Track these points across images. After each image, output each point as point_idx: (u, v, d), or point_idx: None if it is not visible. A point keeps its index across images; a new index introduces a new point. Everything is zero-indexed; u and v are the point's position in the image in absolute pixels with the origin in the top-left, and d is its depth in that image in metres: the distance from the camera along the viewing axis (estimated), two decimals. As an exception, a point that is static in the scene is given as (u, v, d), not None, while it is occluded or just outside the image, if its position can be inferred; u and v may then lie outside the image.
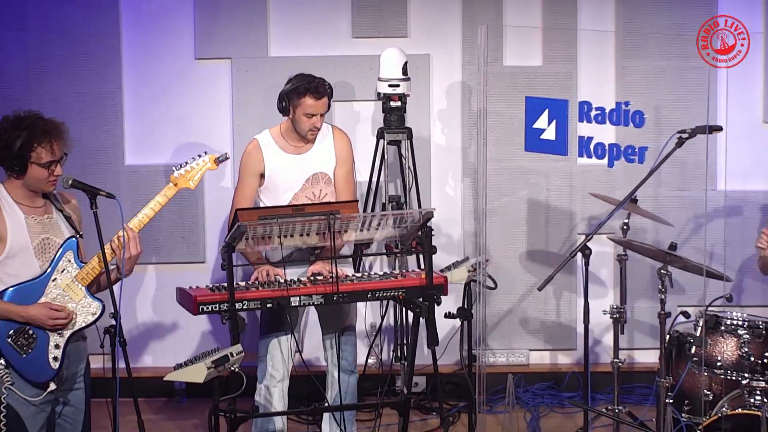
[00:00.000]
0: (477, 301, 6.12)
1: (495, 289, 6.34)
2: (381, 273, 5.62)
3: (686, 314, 5.58)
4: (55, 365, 4.60)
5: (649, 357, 6.90)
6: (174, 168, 4.92)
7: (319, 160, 5.85)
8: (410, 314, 6.20)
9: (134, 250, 4.70)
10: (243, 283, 5.40)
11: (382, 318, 6.78)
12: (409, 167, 6.63)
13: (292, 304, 5.34)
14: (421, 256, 5.98)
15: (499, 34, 6.85)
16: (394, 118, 6.53)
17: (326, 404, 5.81)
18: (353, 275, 5.59)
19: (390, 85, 6.45)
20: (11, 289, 4.57)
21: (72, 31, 6.85)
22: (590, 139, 5.60)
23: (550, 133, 5.64)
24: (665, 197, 6.91)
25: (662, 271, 5.47)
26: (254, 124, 6.64)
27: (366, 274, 5.66)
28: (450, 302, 6.11)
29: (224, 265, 5.14)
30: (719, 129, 5.51)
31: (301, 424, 6.46)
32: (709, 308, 5.55)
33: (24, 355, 4.57)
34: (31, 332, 4.58)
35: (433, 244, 5.42)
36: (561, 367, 7.08)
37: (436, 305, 5.44)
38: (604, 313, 5.85)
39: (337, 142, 5.89)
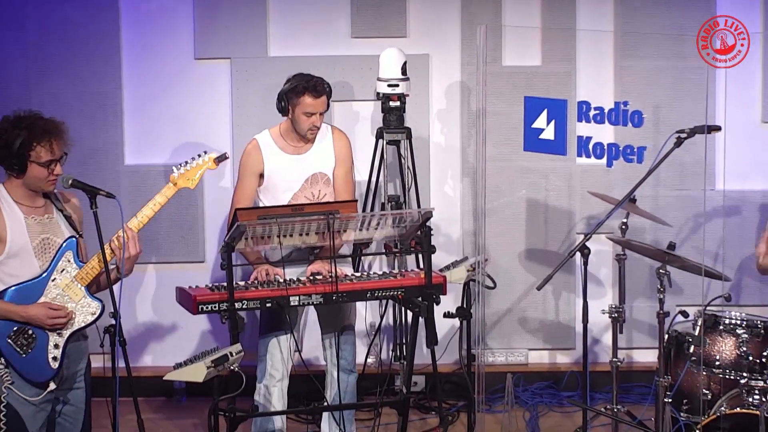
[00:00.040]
0: (476, 301, 6.12)
1: (494, 288, 6.35)
2: (380, 272, 5.63)
3: (685, 314, 5.59)
4: (55, 365, 4.61)
5: (647, 356, 6.91)
6: (174, 168, 4.92)
7: (319, 160, 5.86)
8: (409, 314, 6.21)
9: (133, 250, 4.70)
10: (242, 283, 5.41)
11: (382, 317, 6.79)
12: (408, 167, 6.64)
13: (292, 303, 5.34)
14: (420, 256, 5.97)
15: (498, 34, 6.85)
16: (393, 118, 6.54)
17: (325, 404, 5.82)
18: (352, 275, 5.60)
19: (389, 85, 6.46)
20: (11, 289, 4.58)
21: (72, 31, 6.85)
22: (589, 138, 5.60)
23: (549, 133, 5.64)
24: (664, 197, 6.92)
25: (661, 270, 5.48)
26: (253, 124, 6.65)
27: (365, 273, 5.67)
28: (449, 302, 6.11)
29: (224, 265, 5.14)
30: (718, 129, 5.51)
31: (300, 423, 6.46)
32: (708, 308, 5.56)
33: (24, 355, 4.57)
34: (30, 332, 4.59)
35: (432, 243, 5.42)
36: (560, 366, 7.08)
37: (435, 305, 5.44)
38: (603, 313, 5.86)
39: (337, 143, 5.90)
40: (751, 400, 5.21)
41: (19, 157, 4.55)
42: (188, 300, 5.25)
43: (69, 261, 4.64)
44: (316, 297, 5.36)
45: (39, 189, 4.64)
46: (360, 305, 6.14)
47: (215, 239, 6.96)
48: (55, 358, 4.60)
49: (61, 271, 4.64)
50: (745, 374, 5.39)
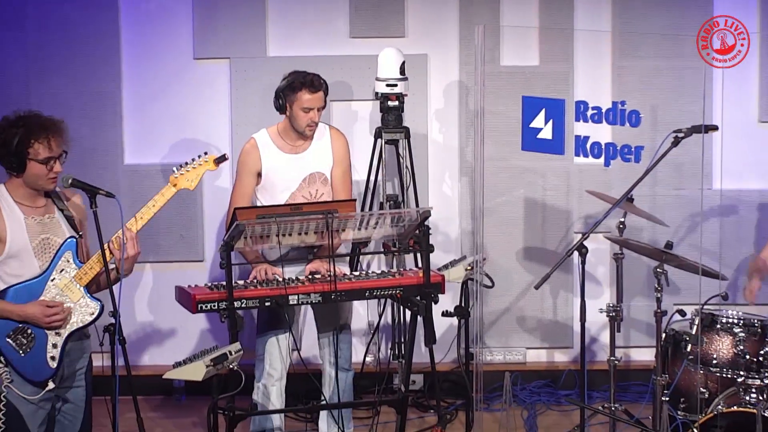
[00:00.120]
0: (474, 300, 6.13)
1: (492, 287, 6.35)
2: (379, 271, 5.64)
3: (682, 312, 5.62)
4: (53, 364, 4.62)
5: (645, 355, 6.91)
6: (174, 169, 4.92)
7: (316, 159, 5.87)
8: (408, 312, 6.22)
9: (132, 250, 4.70)
10: (242, 282, 5.41)
11: (380, 316, 6.79)
12: (406, 166, 6.65)
13: (291, 302, 5.35)
14: (418, 255, 5.99)
15: (496, 34, 6.86)
16: (392, 118, 6.55)
17: (323, 402, 5.84)
18: (351, 274, 5.61)
19: (388, 85, 6.47)
20: (11, 288, 4.60)
21: (71, 31, 6.86)
22: (587, 138, 5.61)
23: (546, 133, 5.65)
24: (661, 196, 6.93)
25: (658, 269, 5.50)
26: (253, 123, 6.66)
27: (364, 272, 5.68)
28: (447, 300, 6.13)
29: (223, 264, 5.15)
30: (715, 128, 5.53)
31: (298, 421, 6.47)
32: (705, 306, 5.55)
33: (23, 354, 4.58)
34: (30, 331, 4.59)
35: (431, 242, 5.43)
36: (558, 365, 7.09)
37: (433, 303, 5.45)
38: (601, 312, 5.87)
39: (334, 142, 5.91)
40: (748, 398, 5.22)
41: (17, 154, 4.56)
42: (188, 299, 5.26)
43: (68, 261, 4.65)
44: (315, 296, 5.36)
45: (40, 187, 4.65)
46: (358, 304, 6.15)
47: (214, 238, 6.98)
48: (53, 358, 4.61)
49: (60, 271, 4.65)
50: (742, 373, 5.40)
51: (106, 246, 4.65)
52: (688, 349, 5.62)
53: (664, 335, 5.65)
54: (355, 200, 5.70)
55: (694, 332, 5.60)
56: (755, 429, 4.99)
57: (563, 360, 7.11)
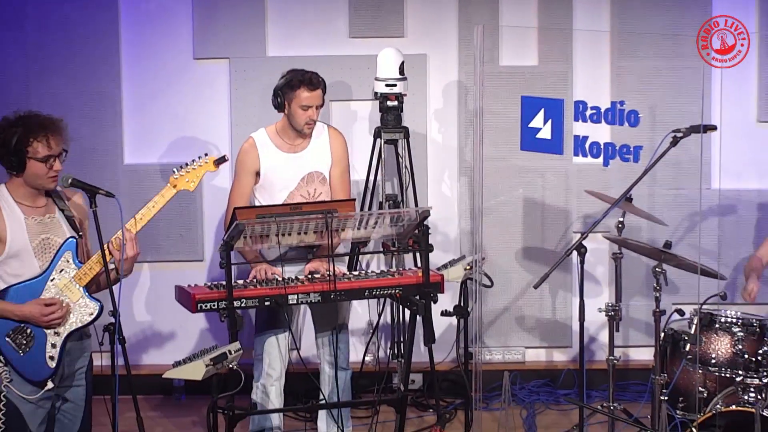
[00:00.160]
0: (473, 299, 6.13)
1: (491, 287, 6.34)
2: (378, 271, 5.65)
3: (681, 312, 5.62)
4: (52, 364, 4.62)
5: (644, 354, 6.92)
6: (174, 170, 4.92)
7: (315, 159, 5.87)
8: (407, 312, 6.22)
9: (131, 251, 4.71)
10: (241, 282, 5.42)
11: (379, 316, 6.79)
12: (405, 166, 6.65)
13: (290, 302, 5.36)
14: (417, 255, 6.00)
15: (495, 34, 6.87)
16: (391, 118, 6.56)
17: (322, 401, 5.84)
18: (351, 273, 5.62)
19: (387, 85, 6.48)
20: (12, 288, 4.60)
21: (71, 31, 6.87)
22: (585, 138, 5.62)
23: (545, 133, 5.65)
24: (660, 196, 6.94)
25: (657, 269, 5.51)
26: (252, 123, 6.66)
27: (363, 272, 5.69)
28: (446, 300, 6.14)
29: (222, 264, 5.16)
30: (714, 128, 5.53)
31: (297, 421, 6.48)
32: (704, 306, 5.57)
33: (22, 354, 4.59)
34: (29, 331, 4.60)
35: (430, 242, 5.44)
36: (557, 364, 7.10)
37: (432, 303, 5.46)
38: (600, 311, 5.87)
39: (333, 142, 5.91)
40: (746, 397, 5.23)
41: (17, 153, 4.56)
42: (187, 298, 5.26)
43: (68, 261, 4.66)
44: (315, 295, 5.37)
45: (40, 186, 4.65)
46: (357, 304, 6.16)
47: (214, 238, 6.98)
48: (52, 357, 4.61)
49: (60, 271, 4.65)
50: (740, 372, 5.40)
51: (105, 246, 4.66)
52: (687, 348, 5.62)
53: (662, 335, 5.66)
54: (354, 200, 5.70)
55: (692, 332, 5.60)
56: (754, 428, 4.99)
57: (562, 359, 7.12)
